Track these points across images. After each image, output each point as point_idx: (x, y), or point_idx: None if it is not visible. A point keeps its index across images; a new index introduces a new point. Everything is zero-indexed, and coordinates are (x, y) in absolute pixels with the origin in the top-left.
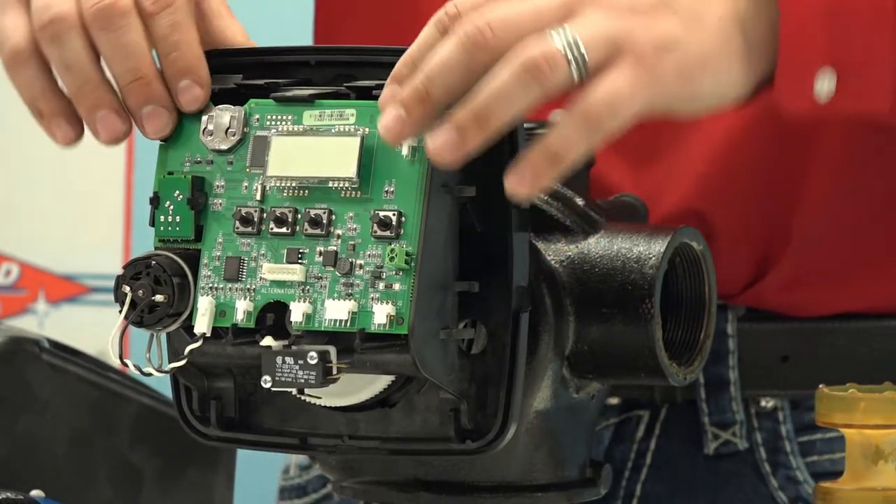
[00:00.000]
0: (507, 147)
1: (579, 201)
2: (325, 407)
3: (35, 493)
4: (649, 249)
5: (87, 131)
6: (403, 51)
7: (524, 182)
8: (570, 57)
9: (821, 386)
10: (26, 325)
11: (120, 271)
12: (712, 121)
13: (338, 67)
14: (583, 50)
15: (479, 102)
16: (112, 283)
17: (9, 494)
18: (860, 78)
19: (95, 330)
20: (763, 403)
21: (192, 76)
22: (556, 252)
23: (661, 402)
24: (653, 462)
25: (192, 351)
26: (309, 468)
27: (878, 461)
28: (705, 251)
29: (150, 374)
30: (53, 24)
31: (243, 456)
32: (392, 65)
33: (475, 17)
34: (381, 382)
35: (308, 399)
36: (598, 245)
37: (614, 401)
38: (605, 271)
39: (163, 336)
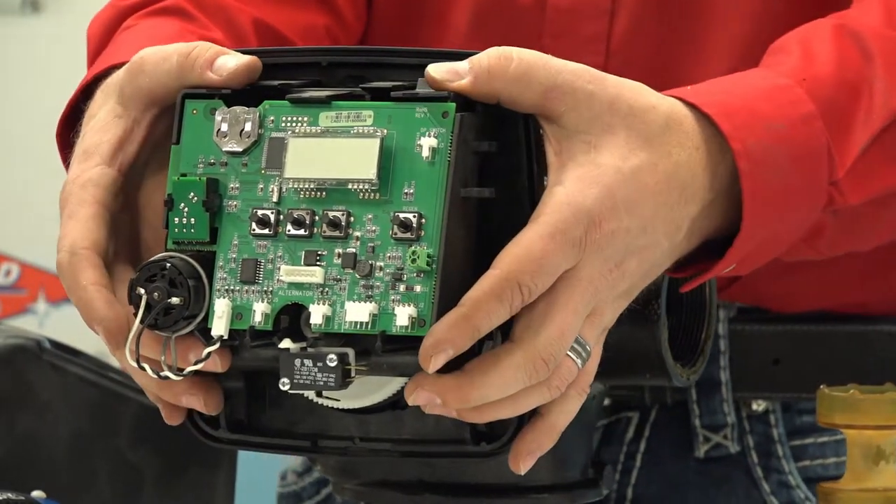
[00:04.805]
0: (524, 149)
1: None
2: (335, 409)
3: (36, 493)
4: None
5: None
6: (416, 52)
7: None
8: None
9: (822, 386)
10: (26, 325)
11: (134, 274)
12: None
13: (349, 69)
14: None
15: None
16: None
17: (10, 495)
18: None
19: None
20: (755, 406)
21: None
22: None
23: (651, 403)
24: (643, 464)
25: (209, 353)
26: (304, 474)
27: (879, 462)
28: None
29: (166, 378)
30: None
31: (244, 456)
32: (404, 66)
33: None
34: (395, 384)
35: (322, 401)
36: None
37: (604, 402)
38: None
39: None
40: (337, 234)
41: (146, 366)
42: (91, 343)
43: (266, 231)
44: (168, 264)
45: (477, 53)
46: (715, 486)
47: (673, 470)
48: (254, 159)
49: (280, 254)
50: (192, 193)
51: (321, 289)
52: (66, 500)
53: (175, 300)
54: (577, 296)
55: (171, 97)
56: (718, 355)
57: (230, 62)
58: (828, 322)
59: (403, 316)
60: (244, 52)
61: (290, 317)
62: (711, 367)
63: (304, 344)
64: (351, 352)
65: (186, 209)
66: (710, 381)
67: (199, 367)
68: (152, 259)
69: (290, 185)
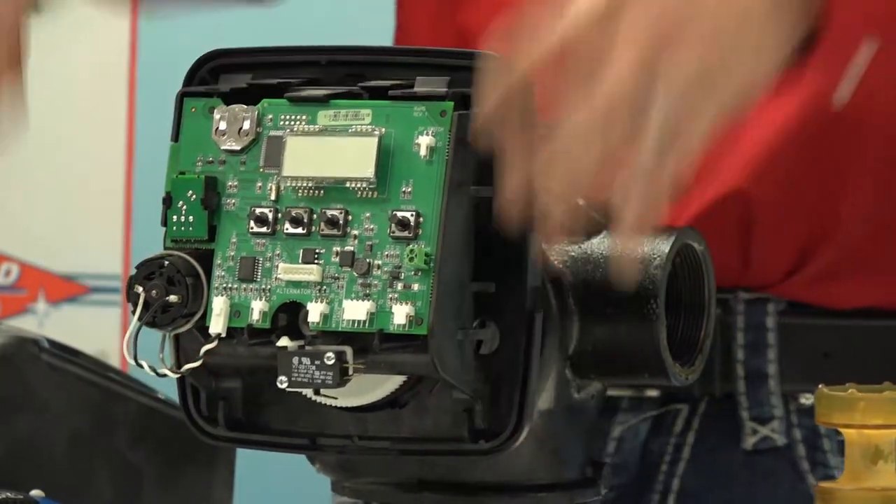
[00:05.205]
0: None
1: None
2: (333, 407)
3: (35, 493)
4: (653, 250)
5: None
6: (413, 51)
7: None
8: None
9: (820, 386)
10: (26, 325)
11: (133, 271)
12: (764, 107)
13: (348, 67)
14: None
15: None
16: (112, 283)
17: (8, 494)
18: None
19: (95, 330)
20: (803, 400)
21: None
22: (559, 253)
23: (701, 395)
24: (691, 456)
25: (207, 351)
26: None
27: (878, 461)
28: (706, 252)
29: (164, 376)
30: None
31: (243, 455)
32: (403, 65)
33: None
34: (393, 383)
35: (319, 399)
36: (601, 245)
37: (653, 393)
38: (609, 272)
39: (155, 334)
40: (335, 232)
41: (143, 363)
42: (91, 343)
43: (264, 229)
44: (166, 262)
45: (475, 52)
46: (761, 479)
47: (720, 462)
48: (252, 158)
49: (278, 252)
50: (190, 191)
51: (319, 287)
52: (66, 499)
53: (173, 298)
54: (631, 41)
55: None
56: (767, 348)
57: None
58: (878, 317)
59: (401, 314)
60: (243, 52)
61: (288, 315)
62: (759, 359)
63: (301, 342)
64: (349, 350)
65: (185, 207)
66: (758, 373)
67: (196, 364)
68: (150, 257)
69: (289, 184)
